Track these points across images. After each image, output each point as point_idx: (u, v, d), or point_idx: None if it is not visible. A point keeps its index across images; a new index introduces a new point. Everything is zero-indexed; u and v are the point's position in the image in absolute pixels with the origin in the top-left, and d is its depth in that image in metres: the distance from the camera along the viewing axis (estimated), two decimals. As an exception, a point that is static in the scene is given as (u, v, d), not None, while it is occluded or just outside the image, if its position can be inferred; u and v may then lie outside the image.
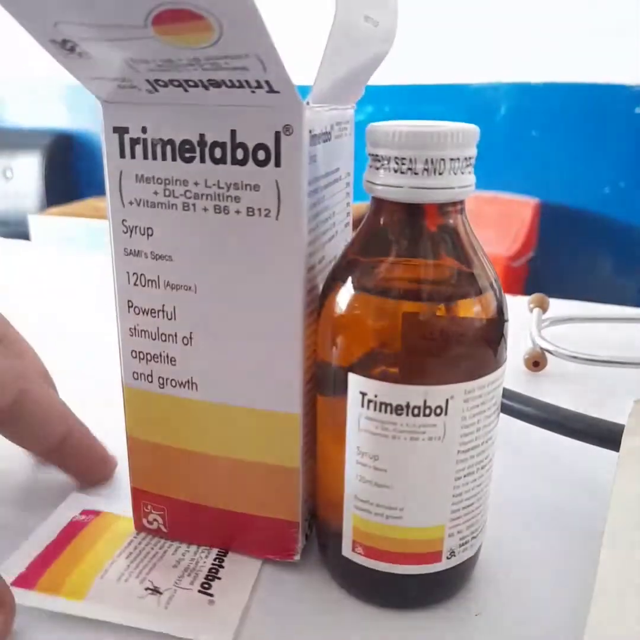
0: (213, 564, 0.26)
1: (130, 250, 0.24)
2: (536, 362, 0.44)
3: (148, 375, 0.25)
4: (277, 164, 0.22)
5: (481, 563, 0.26)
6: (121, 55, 0.20)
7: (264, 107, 0.21)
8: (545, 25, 1.71)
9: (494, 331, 0.22)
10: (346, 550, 0.24)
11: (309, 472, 0.26)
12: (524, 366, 0.44)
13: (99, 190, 2.20)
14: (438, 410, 0.21)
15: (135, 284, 0.24)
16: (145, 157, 0.23)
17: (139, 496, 0.27)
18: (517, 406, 0.34)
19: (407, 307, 0.22)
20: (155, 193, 0.23)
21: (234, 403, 0.25)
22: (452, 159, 0.20)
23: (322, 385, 0.24)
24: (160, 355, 0.25)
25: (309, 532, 0.27)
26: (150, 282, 0.24)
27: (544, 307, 0.51)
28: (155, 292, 0.24)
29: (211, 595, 0.25)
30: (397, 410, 0.21)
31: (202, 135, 0.22)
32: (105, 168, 0.24)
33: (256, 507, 0.26)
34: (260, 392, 0.24)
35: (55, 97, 2.33)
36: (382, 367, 0.22)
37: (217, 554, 0.27)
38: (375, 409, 0.21)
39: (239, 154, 0.22)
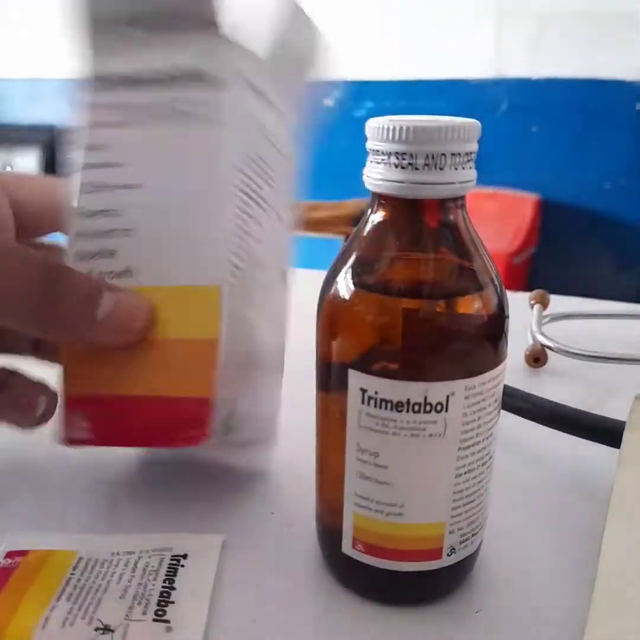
0: (163, 587, 0.24)
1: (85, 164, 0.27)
2: (537, 359, 0.44)
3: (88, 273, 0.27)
4: None
5: (481, 560, 0.26)
6: None
7: None
8: (545, 20, 1.70)
9: (494, 327, 0.22)
10: (346, 547, 0.24)
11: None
12: (524, 362, 0.44)
13: (99, 187, 2.19)
14: (439, 407, 0.21)
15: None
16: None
17: (70, 405, 0.27)
18: (517, 403, 0.34)
19: (408, 303, 0.22)
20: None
21: (164, 284, 0.26)
22: (453, 154, 0.20)
23: (322, 381, 0.24)
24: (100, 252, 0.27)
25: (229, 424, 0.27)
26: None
27: (544, 304, 0.51)
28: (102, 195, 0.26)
29: (167, 621, 0.23)
30: (398, 406, 0.21)
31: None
32: None
33: (177, 387, 0.25)
34: (188, 271, 0.26)
35: (55, 94, 2.32)
36: (382, 364, 0.22)
37: (166, 574, 0.25)
38: (375, 406, 0.21)
39: None
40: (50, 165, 2.28)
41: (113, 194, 0.26)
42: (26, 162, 2.28)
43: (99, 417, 0.27)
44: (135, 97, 0.26)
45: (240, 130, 0.27)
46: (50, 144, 2.29)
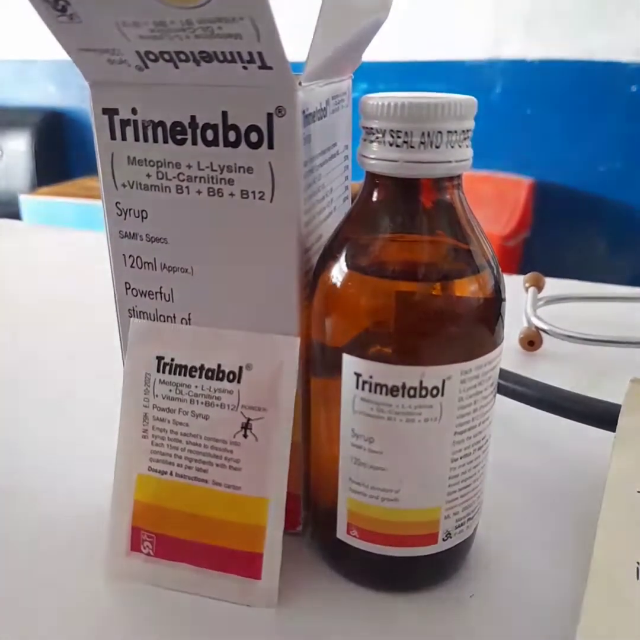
0: None
1: (125, 232, 0.24)
2: (531, 342, 0.44)
3: None
4: (271, 146, 0.21)
5: (476, 544, 0.26)
6: (113, 17, 0.19)
7: (255, 88, 0.20)
8: (540, 2, 1.69)
9: (491, 310, 0.22)
10: (340, 533, 0.24)
11: (303, 449, 0.26)
12: (519, 346, 0.44)
13: (90, 170, 2.17)
14: (434, 391, 0.21)
15: (131, 266, 0.24)
16: (137, 139, 0.22)
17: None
18: (512, 386, 0.34)
19: (403, 285, 0.21)
20: (148, 175, 0.23)
21: None
22: (449, 132, 0.19)
23: (316, 366, 0.23)
24: None
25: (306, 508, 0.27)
26: (146, 265, 0.24)
27: (539, 286, 0.50)
28: (152, 274, 0.24)
29: None
30: (393, 391, 0.21)
31: (193, 117, 0.21)
32: (96, 150, 0.23)
33: None
34: None
35: (45, 76, 2.29)
36: (377, 348, 0.21)
37: None
38: (370, 390, 0.21)
39: (231, 136, 0.21)
40: (42, 148, 2.26)
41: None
42: (17, 145, 2.25)
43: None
44: None
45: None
46: (42, 127, 2.27)
